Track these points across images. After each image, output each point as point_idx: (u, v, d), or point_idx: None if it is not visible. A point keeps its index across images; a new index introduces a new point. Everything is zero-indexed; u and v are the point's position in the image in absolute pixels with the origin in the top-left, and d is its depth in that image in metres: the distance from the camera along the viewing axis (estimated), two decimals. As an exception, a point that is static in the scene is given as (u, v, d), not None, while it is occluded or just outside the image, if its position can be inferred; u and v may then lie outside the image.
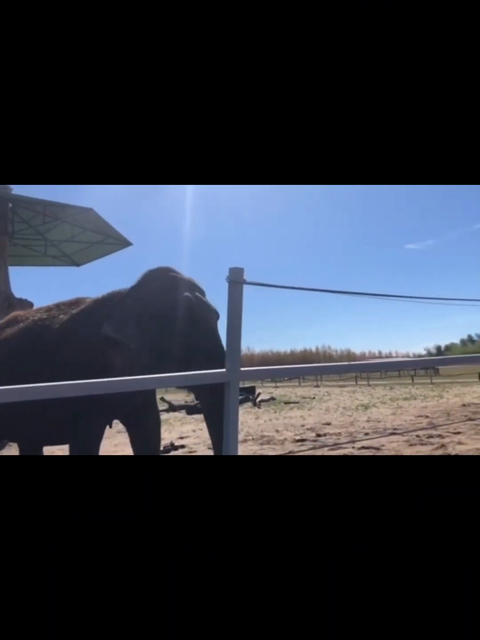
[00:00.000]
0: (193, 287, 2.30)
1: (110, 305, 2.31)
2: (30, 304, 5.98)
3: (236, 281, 1.46)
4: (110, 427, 2.65)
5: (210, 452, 4.69)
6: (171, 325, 2.16)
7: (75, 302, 2.54)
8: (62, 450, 2.89)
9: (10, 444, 4.95)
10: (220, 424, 2.24)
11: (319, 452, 4.30)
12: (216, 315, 2.36)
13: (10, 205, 6.67)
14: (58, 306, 2.59)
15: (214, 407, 2.16)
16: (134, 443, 2.62)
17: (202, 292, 2.36)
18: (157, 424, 2.65)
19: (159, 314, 2.18)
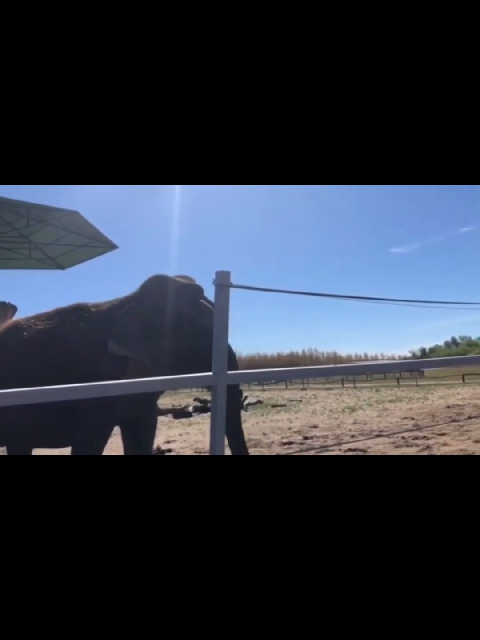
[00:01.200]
0: (195, 290, 2.30)
1: (111, 318, 2.28)
2: (14, 308, 5.88)
3: (223, 284, 1.45)
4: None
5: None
6: (184, 336, 2.16)
7: (76, 309, 2.50)
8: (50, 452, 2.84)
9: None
10: (232, 427, 2.25)
11: (305, 455, 4.31)
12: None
13: (-7, 207, 6.57)
14: (59, 313, 2.55)
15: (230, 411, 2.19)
16: (126, 447, 2.60)
17: (200, 290, 2.35)
18: (152, 428, 2.64)
19: (165, 324, 2.18)
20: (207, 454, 4.27)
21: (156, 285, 2.30)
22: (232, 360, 2.12)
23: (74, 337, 2.37)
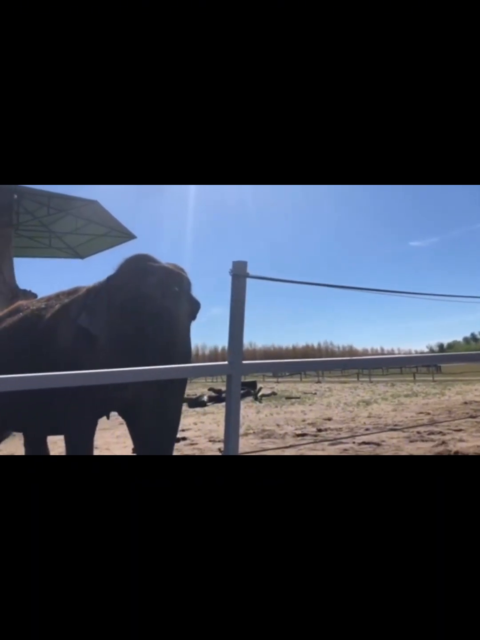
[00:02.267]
0: (170, 275, 2.21)
1: (92, 295, 2.28)
2: (34, 295, 6.01)
3: (239, 274, 1.46)
4: (108, 418, 2.66)
5: (212, 445, 4.71)
6: (133, 316, 2.10)
7: (74, 291, 2.51)
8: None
9: (14, 433, 5.00)
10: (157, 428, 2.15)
11: (319, 446, 4.32)
12: (192, 307, 2.28)
13: (16, 196, 6.68)
14: (57, 296, 2.58)
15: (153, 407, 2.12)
16: (132, 435, 2.62)
17: (183, 281, 2.27)
18: (160, 420, 2.58)
19: (125, 304, 2.14)
20: (219, 444, 4.31)
21: (129, 263, 2.27)
22: (173, 355, 2.00)
23: (59, 317, 2.37)
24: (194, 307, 2.32)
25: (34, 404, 2.33)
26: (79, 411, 2.26)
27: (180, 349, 2.15)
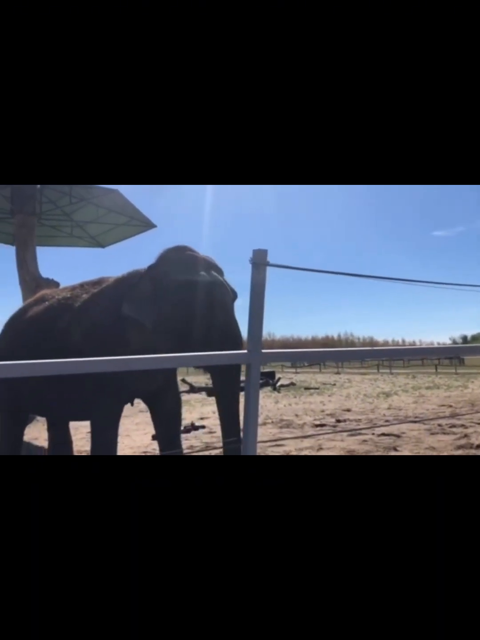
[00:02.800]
0: (210, 266, 2.28)
1: (128, 284, 2.32)
2: (57, 284, 6.10)
3: (259, 263, 1.45)
4: (131, 405, 2.71)
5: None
6: (186, 305, 2.15)
7: (99, 282, 2.56)
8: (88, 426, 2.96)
9: (38, 418, 5.13)
10: (230, 409, 2.24)
11: (338, 437, 4.30)
12: (233, 296, 2.34)
13: (38, 186, 6.76)
14: (82, 285, 2.63)
15: (225, 392, 2.18)
16: (155, 423, 2.67)
17: (220, 272, 2.33)
18: (177, 405, 2.68)
19: (175, 293, 2.18)
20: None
21: (169, 253, 2.31)
22: (234, 339, 2.12)
23: (90, 306, 2.42)
24: (234, 295, 2.37)
25: (60, 389, 2.39)
26: (106, 398, 2.31)
27: (236, 330, 2.20)
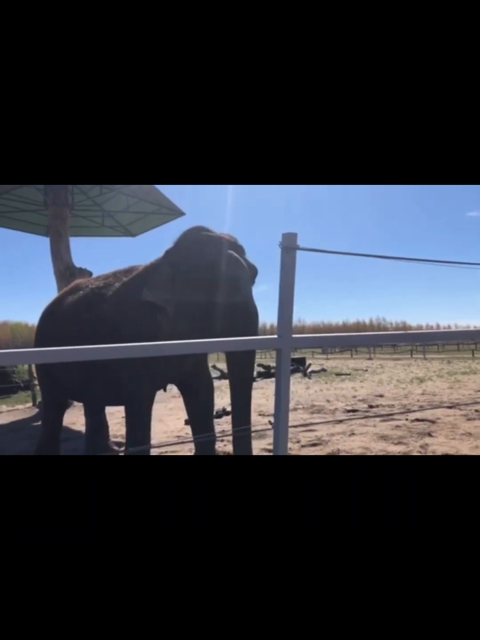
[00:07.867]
0: (229, 244, 2.25)
1: (152, 270, 2.36)
2: (90, 273, 6.24)
3: (289, 247, 1.43)
4: (165, 390, 2.76)
5: (261, 418, 4.76)
6: (205, 286, 2.16)
7: (130, 270, 2.62)
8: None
9: (76, 403, 5.32)
10: (243, 396, 2.28)
11: (370, 422, 4.26)
12: (251, 272, 2.32)
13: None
14: (115, 274, 2.69)
15: (240, 378, 2.22)
16: (188, 407, 2.72)
17: (241, 250, 2.31)
18: (209, 390, 2.72)
19: (190, 274, 2.19)
20: (268, 417, 4.34)
21: (186, 235, 2.32)
22: (247, 318, 2.12)
23: (121, 294, 2.47)
24: (253, 271, 2.36)
25: (96, 376, 2.47)
26: (139, 383, 2.37)
27: (252, 310, 2.20)
